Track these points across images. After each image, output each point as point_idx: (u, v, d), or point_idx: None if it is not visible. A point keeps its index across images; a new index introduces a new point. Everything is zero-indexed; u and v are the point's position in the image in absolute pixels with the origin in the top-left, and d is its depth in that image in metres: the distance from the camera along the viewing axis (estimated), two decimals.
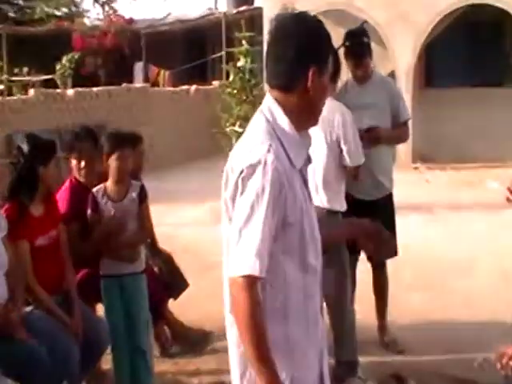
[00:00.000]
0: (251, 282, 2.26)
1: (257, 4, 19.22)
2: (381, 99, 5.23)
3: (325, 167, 4.62)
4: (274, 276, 2.33)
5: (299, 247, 2.39)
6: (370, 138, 5.04)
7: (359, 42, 5.24)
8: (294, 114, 2.40)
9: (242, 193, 2.31)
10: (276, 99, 2.41)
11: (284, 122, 2.38)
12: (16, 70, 18.92)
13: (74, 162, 4.78)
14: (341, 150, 4.62)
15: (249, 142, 2.38)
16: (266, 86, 2.51)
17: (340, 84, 5.19)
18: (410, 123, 5.53)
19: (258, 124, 2.41)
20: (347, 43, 5.23)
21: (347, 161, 4.59)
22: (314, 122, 2.50)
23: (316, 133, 4.40)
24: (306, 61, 2.36)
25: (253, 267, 2.25)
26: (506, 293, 6.05)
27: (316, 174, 4.55)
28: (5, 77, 18.28)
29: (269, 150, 2.29)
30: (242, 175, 2.30)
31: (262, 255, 2.26)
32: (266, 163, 2.27)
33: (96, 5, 14.81)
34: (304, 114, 2.42)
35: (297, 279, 2.40)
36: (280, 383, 2.29)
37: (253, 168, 2.28)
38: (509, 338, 3.73)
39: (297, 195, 2.37)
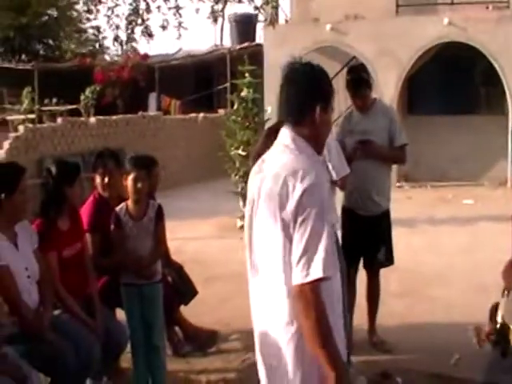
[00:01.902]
0: (319, 284, 2.39)
1: (258, 41, 19.32)
2: (379, 126, 5.25)
3: None
4: None
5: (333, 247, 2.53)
6: (364, 148, 5.09)
7: (357, 76, 5.28)
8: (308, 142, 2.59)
9: (305, 209, 2.41)
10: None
11: (309, 150, 2.57)
12: (46, 101, 19.02)
13: (98, 178, 4.81)
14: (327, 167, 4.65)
15: (294, 167, 2.47)
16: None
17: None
18: None
19: (291, 153, 2.54)
20: (348, 77, 5.28)
21: (334, 176, 4.62)
22: (320, 151, 2.68)
23: None
24: (314, 100, 2.57)
25: (324, 270, 2.37)
26: (478, 299, 6.04)
27: None
28: (36, 107, 18.39)
29: (317, 174, 2.46)
30: (305, 194, 2.42)
31: (330, 258, 2.41)
32: (320, 184, 2.46)
33: (116, 43, 14.91)
34: (312, 143, 2.59)
35: (335, 278, 2.54)
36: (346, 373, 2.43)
37: (312, 189, 2.42)
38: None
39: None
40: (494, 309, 3.81)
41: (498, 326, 3.70)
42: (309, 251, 2.39)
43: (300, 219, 2.41)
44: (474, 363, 4.18)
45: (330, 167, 4.63)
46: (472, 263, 7.65)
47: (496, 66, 13.51)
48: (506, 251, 4.12)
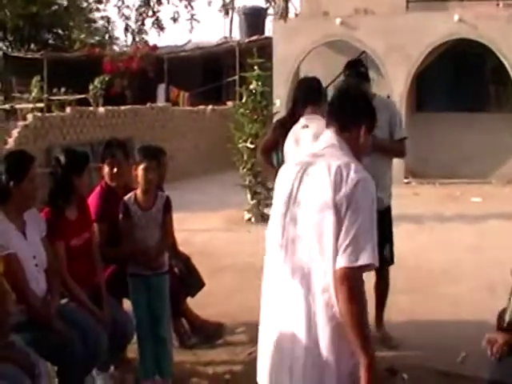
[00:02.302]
0: (364, 270, 2.52)
1: (267, 34, 19.26)
2: (380, 120, 5.17)
3: None
4: None
5: None
6: None
7: (356, 71, 5.21)
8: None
9: (358, 198, 2.59)
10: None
11: (352, 155, 2.76)
12: (54, 90, 19.03)
13: (106, 168, 4.79)
14: None
15: (347, 160, 2.68)
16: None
17: None
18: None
19: (337, 150, 2.73)
20: (346, 72, 5.21)
21: None
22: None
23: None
24: (363, 118, 2.85)
25: (374, 257, 2.52)
26: (486, 297, 6.02)
27: None
28: (45, 96, 18.42)
29: (366, 173, 2.68)
30: (360, 185, 2.61)
31: (377, 249, 2.55)
32: (371, 180, 2.69)
33: (127, 34, 14.85)
34: (352, 153, 2.78)
35: None
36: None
37: (365, 181, 2.65)
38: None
39: None
40: (503, 313, 3.77)
41: (506, 324, 3.67)
42: (359, 238, 2.51)
43: (353, 207, 2.56)
44: (481, 361, 4.14)
45: None
46: (480, 261, 7.61)
47: (506, 63, 13.44)
48: None
